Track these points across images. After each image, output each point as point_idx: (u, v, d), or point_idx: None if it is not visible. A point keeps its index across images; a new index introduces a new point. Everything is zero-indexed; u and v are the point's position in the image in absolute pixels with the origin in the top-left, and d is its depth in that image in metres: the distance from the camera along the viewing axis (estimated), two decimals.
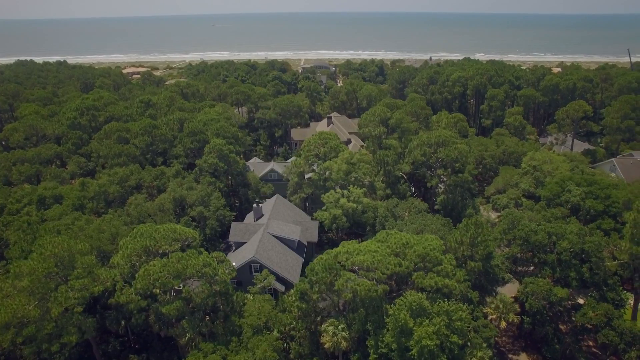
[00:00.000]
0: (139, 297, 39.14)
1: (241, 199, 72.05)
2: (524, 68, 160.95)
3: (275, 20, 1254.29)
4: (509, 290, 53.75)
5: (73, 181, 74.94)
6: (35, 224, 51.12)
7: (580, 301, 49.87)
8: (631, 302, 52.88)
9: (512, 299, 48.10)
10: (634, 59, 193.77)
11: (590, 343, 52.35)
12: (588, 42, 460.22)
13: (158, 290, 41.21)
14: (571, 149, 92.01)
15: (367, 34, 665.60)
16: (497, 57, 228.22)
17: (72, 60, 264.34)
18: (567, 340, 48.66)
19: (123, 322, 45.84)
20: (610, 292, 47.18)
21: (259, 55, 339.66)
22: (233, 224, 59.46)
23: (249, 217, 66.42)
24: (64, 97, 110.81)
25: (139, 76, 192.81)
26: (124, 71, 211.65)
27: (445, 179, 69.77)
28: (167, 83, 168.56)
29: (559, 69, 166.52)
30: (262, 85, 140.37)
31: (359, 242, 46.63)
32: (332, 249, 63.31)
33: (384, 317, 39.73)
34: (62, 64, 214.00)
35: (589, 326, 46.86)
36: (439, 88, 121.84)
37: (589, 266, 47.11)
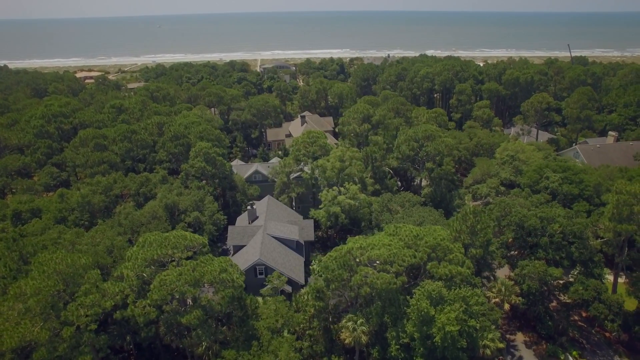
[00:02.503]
0: (154, 309, 37.53)
1: (229, 201, 70.65)
2: (478, 64, 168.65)
3: (219, 21, 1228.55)
4: (497, 274, 56.40)
5: (45, 193, 70.20)
6: (20, 239, 47.58)
7: (565, 279, 53.30)
8: (609, 277, 57.17)
9: (513, 282, 50.64)
10: (573, 54, 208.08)
11: (576, 317, 56.21)
12: (530, 39, 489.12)
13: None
14: (536, 139, 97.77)
15: (320, 33, 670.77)
16: (448, 53, 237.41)
17: (11, 65, 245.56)
18: (558, 316, 52.00)
19: (128, 337, 43.93)
20: (597, 268, 50.88)
21: (214, 56, 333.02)
22: (230, 228, 58.25)
23: (241, 219, 65.24)
24: (19, 104, 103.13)
25: (92, 81, 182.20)
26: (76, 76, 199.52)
27: (426, 172, 71.91)
28: (130, 87, 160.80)
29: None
30: (227, 87, 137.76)
31: (365, 237, 47.21)
32: (327, 246, 64.12)
33: (402, 308, 40.62)
34: (2, 69, 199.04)
35: (579, 301, 50.29)
36: (407, 84, 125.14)
37: (577, 246, 50.54)
